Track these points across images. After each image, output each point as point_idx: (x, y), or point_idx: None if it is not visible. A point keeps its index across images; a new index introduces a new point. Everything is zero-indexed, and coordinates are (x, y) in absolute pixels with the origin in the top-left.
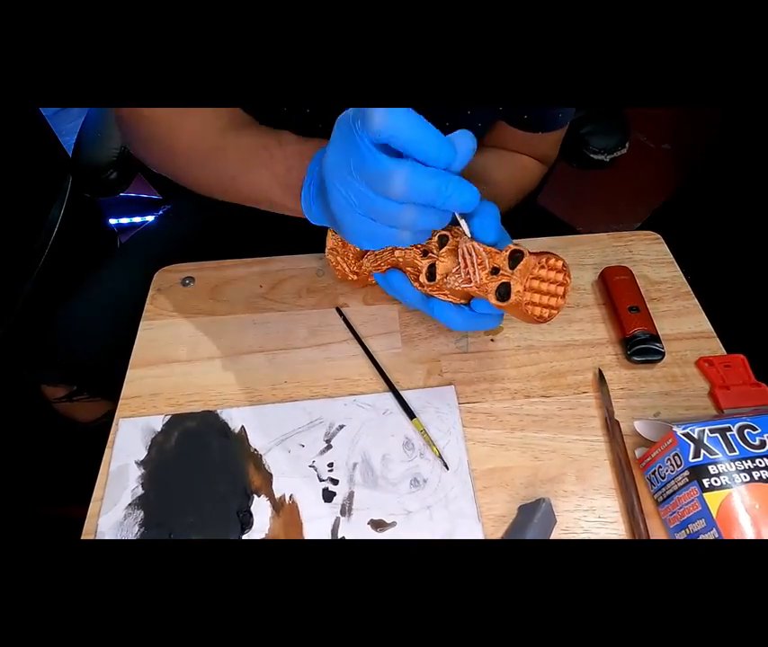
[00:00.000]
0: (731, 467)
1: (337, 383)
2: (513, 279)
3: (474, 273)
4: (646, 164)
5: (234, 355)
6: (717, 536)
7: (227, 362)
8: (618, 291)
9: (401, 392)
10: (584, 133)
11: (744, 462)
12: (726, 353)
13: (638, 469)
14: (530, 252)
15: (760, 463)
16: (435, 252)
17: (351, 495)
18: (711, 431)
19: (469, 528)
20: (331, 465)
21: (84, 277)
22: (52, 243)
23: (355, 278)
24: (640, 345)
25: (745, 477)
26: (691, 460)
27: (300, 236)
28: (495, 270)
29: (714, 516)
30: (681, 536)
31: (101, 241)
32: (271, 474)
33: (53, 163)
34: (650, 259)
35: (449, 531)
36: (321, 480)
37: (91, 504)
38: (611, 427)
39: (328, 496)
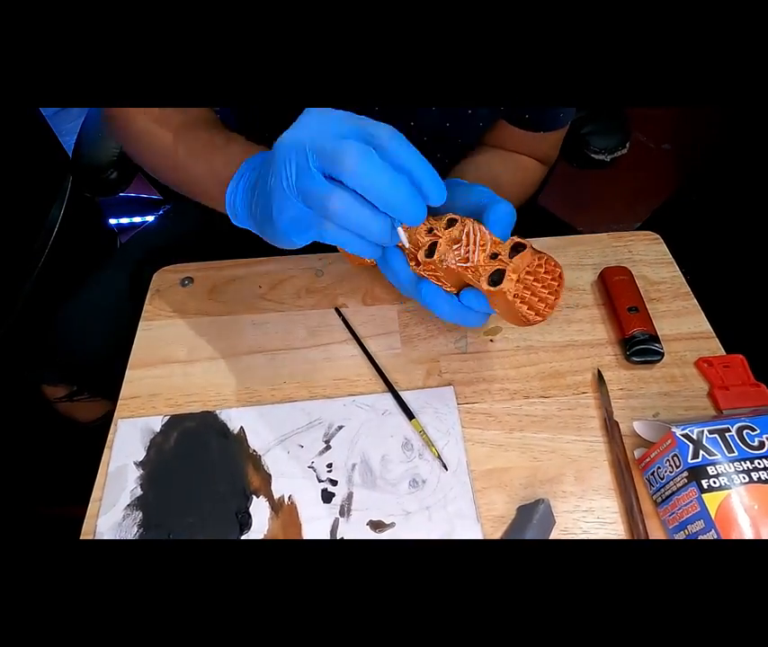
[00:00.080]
0: (730, 468)
1: (336, 383)
2: (510, 266)
3: (473, 253)
4: (646, 164)
5: (233, 355)
6: (715, 536)
7: (226, 363)
8: (617, 291)
9: (400, 392)
10: (585, 133)
11: (743, 463)
12: (725, 354)
13: (637, 470)
14: (532, 248)
15: (759, 464)
16: (441, 231)
17: (350, 496)
18: (710, 432)
19: (468, 529)
20: (330, 465)
21: (85, 277)
22: (52, 243)
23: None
24: (639, 345)
25: (744, 478)
26: (690, 461)
27: None
28: (494, 256)
29: (713, 517)
30: (680, 536)
31: (101, 241)
32: (270, 475)
33: (53, 163)
34: (650, 259)
35: (448, 532)
36: (320, 480)
37: (90, 505)
38: (611, 427)
39: (327, 497)
